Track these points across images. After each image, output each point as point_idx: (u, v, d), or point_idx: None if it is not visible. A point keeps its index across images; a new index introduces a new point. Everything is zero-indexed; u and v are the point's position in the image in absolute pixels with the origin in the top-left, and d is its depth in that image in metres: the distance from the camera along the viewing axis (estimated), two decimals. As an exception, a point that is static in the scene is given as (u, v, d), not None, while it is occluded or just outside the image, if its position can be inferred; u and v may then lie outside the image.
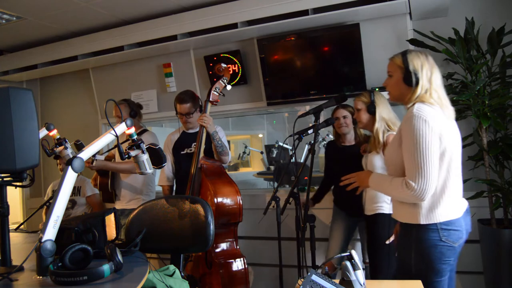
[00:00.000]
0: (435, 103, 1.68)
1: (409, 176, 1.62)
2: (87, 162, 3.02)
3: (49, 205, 2.67)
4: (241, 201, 2.83)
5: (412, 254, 1.68)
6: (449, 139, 1.65)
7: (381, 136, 2.38)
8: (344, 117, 2.79)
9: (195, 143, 2.97)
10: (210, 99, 2.85)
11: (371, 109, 2.44)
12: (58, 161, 3.61)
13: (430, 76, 1.70)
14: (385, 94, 2.30)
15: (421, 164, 1.59)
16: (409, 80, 1.70)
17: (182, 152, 3.07)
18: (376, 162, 2.42)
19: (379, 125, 2.40)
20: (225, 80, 2.89)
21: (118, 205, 3.31)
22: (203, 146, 2.86)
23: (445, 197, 1.65)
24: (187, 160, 2.96)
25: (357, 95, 2.54)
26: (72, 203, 3.64)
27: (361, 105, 2.48)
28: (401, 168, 1.70)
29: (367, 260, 2.71)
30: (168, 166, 3.12)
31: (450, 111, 1.72)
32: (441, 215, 1.64)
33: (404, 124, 1.66)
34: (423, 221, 1.65)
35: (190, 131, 3.09)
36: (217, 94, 2.87)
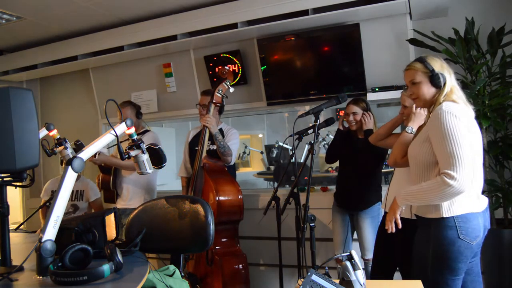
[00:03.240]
0: (459, 101, 1.74)
1: (446, 167, 1.61)
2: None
3: (48, 205, 2.67)
4: (242, 199, 2.86)
5: (429, 251, 1.70)
6: (474, 135, 1.69)
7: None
8: (354, 113, 2.76)
9: (208, 141, 3.01)
10: (214, 101, 2.90)
11: None
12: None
13: (450, 76, 1.79)
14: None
15: (457, 154, 1.59)
16: (437, 82, 1.76)
17: (196, 148, 3.09)
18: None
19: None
20: (228, 83, 2.93)
21: (120, 204, 3.31)
22: (206, 146, 2.91)
23: (468, 192, 1.65)
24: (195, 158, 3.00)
25: (405, 89, 2.33)
26: (74, 208, 3.56)
27: (409, 102, 2.31)
28: (423, 164, 1.75)
29: (365, 257, 2.73)
30: (186, 158, 3.23)
31: (471, 109, 1.76)
32: (462, 208, 1.67)
33: (433, 122, 1.69)
34: (445, 214, 1.67)
35: None
36: (220, 96, 2.92)
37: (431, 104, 1.82)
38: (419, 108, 2.23)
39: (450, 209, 1.67)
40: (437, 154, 1.67)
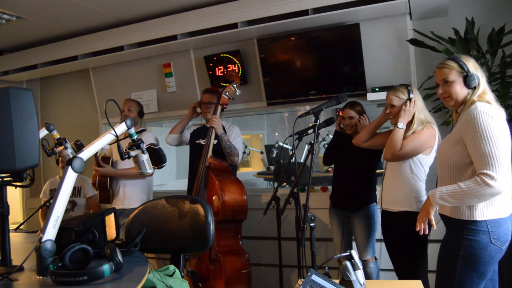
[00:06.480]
0: (492, 101, 1.74)
1: (484, 168, 1.59)
2: (96, 165, 3.08)
3: (48, 205, 2.67)
4: (246, 199, 2.90)
5: (459, 253, 1.70)
6: (508, 137, 1.68)
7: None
8: (350, 117, 2.78)
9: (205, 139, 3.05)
10: (220, 102, 2.97)
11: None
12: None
13: (482, 77, 1.79)
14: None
15: (494, 154, 1.59)
16: (471, 82, 1.76)
17: (196, 141, 3.19)
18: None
19: (416, 126, 2.30)
20: (235, 85, 3.01)
21: (117, 204, 3.30)
22: (212, 145, 2.95)
23: (501, 195, 1.64)
24: (197, 153, 3.05)
25: (392, 90, 2.39)
26: (72, 204, 3.60)
27: (397, 102, 2.35)
28: (455, 165, 1.74)
29: (363, 258, 2.71)
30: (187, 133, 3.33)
31: (503, 111, 1.76)
32: (495, 212, 1.67)
33: (468, 123, 1.68)
34: (479, 217, 1.66)
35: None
36: (227, 98, 3.00)
37: (461, 104, 1.82)
38: (408, 105, 2.29)
39: (484, 213, 1.67)
40: (472, 155, 1.66)
